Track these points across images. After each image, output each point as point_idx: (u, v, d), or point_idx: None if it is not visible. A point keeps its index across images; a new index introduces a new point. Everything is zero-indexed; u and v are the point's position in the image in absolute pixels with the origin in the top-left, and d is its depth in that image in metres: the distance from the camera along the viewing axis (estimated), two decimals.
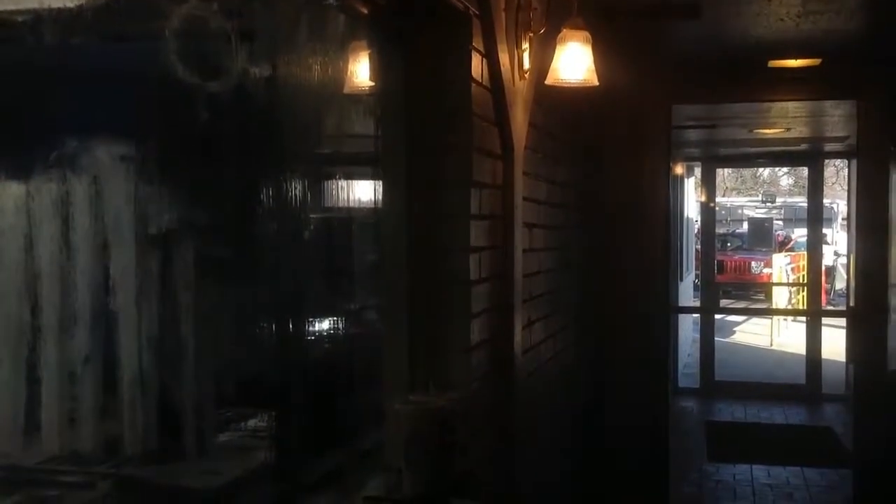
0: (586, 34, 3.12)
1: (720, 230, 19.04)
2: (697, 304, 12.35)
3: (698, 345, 10.62)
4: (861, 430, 5.58)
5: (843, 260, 15.94)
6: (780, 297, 15.34)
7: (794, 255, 17.83)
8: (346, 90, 2.58)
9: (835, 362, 9.96)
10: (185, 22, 1.94)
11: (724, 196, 26.99)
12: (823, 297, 13.22)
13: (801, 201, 18.39)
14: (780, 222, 23.29)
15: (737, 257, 19.79)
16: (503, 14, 2.96)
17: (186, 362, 1.94)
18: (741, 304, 17.80)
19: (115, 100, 1.88)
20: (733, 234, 22.28)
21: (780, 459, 7.39)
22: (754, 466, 7.20)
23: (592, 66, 3.15)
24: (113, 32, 1.91)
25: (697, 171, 12.14)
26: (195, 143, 2.02)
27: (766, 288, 17.38)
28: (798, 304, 14.39)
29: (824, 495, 6.56)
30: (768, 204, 24.43)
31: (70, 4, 1.74)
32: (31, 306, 1.71)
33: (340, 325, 2.78)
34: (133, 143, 1.85)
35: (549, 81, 3.22)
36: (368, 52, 2.63)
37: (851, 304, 7.52)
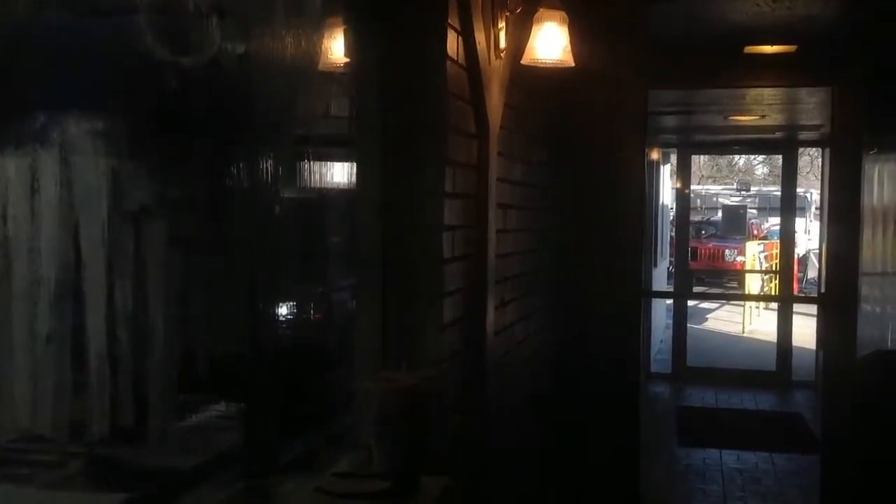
0: (563, 14, 3.12)
1: (695, 218, 19.14)
2: (671, 290, 12.43)
3: (671, 331, 10.69)
4: (829, 417, 5.64)
5: (816, 249, 16.08)
6: (753, 285, 15.46)
7: (768, 244, 17.97)
8: (322, 67, 2.56)
9: (805, 349, 10.06)
10: None
11: (699, 184, 27.13)
12: (795, 285, 13.33)
13: (776, 190, 18.51)
14: (755, 211, 23.45)
15: (711, 245, 19.91)
16: None
17: (156, 341, 1.92)
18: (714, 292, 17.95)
19: (86, 75, 1.85)
20: (708, 222, 22.40)
21: (749, 445, 7.46)
22: (724, 451, 7.26)
23: (568, 47, 3.15)
24: (85, 7, 1.88)
25: (673, 157, 12.20)
26: (166, 120, 2.00)
27: (739, 275, 17.51)
28: (770, 291, 14.52)
29: (792, 480, 6.64)
30: (743, 192, 24.58)
31: None
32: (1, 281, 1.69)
33: (313, 304, 2.77)
34: (104, 119, 1.83)
35: (524, 61, 3.21)
36: (344, 28, 2.61)
37: (822, 291, 7.60)
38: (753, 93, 6.67)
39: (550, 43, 3.12)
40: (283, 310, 2.52)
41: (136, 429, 1.90)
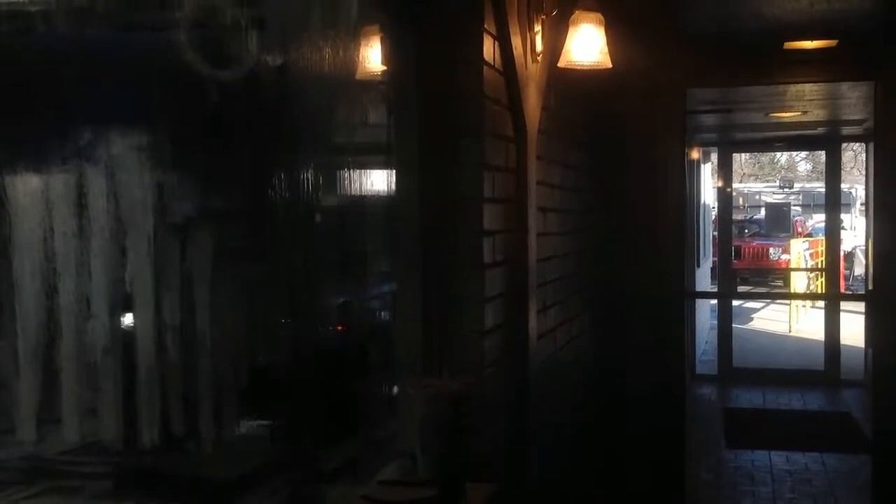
0: (599, 16, 3.10)
1: (737, 216, 18.94)
2: (715, 290, 12.31)
3: (716, 332, 10.58)
4: (880, 416, 5.54)
5: (862, 245, 15.83)
6: (799, 283, 15.25)
7: (813, 241, 17.73)
8: (359, 74, 2.58)
9: (854, 348, 9.91)
10: (197, 10, 1.94)
11: (741, 182, 26.88)
12: (842, 282, 13.14)
13: (820, 187, 18.27)
14: (799, 208, 23.17)
15: (754, 243, 19.69)
16: None
17: (203, 351, 1.94)
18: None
19: (128, 90, 1.88)
20: (751, 221, 22.16)
21: (798, 445, 7.36)
22: (773, 453, 7.17)
23: (605, 49, 3.13)
24: (124, 22, 1.91)
25: (714, 156, 12.09)
26: (209, 132, 2.02)
27: (784, 274, 17.29)
28: (817, 289, 14.31)
29: (843, 481, 6.54)
30: (786, 189, 24.30)
31: None
32: (51, 297, 1.72)
33: (355, 311, 2.78)
34: (147, 133, 1.85)
35: (561, 64, 3.20)
36: (380, 35, 2.62)
37: (870, 288, 7.47)
38: (794, 89, 6.59)
39: (587, 45, 3.10)
40: (325, 317, 2.54)
41: (182, 438, 1.92)
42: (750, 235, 20.71)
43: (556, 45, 3.24)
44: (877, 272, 5.60)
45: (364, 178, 2.62)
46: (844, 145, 13.13)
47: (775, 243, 19.29)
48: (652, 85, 5.11)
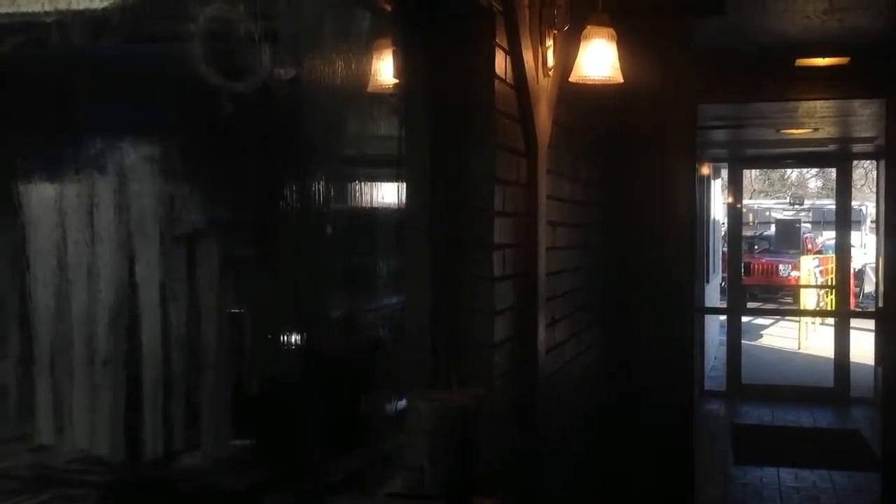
0: (611, 31, 3.11)
1: (747, 232, 18.89)
2: (724, 306, 12.27)
3: (725, 348, 10.55)
4: (889, 434, 5.52)
5: (872, 263, 15.78)
6: (809, 300, 15.20)
7: (823, 258, 17.68)
8: (370, 87, 2.59)
9: (863, 365, 9.86)
10: (210, 23, 1.95)
11: (751, 198, 26.83)
12: (852, 299, 13.09)
13: (830, 204, 18.21)
14: (809, 225, 23.11)
15: (764, 260, 19.63)
16: (527, 11, 2.95)
17: (209, 362, 1.94)
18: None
19: (140, 101, 1.89)
20: (761, 237, 22.11)
21: (807, 463, 7.32)
22: (781, 470, 7.14)
23: (617, 64, 3.14)
24: (139, 34, 1.92)
25: (724, 172, 12.08)
26: (221, 144, 2.03)
27: (793, 291, 17.24)
28: (827, 306, 14.27)
29: (852, 499, 6.49)
30: (796, 206, 24.25)
31: (96, 6, 1.75)
32: (60, 307, 1.72)
33: (364, 323, 2.78)
34: (159, 144, 1.86)
35: (573, 78, 3.21)
36: (392, 49, 2.64)
37: (880, 305, 7.45)
38: (805, 105, 6.59)
39: (598, 60, 3.11)
40: (333, 329, 2.54)
41: (187, 449, 1.92)
42: (760, 252, 20.65)
43: (567, 59, 3.25)
44: (887, 289, 5.58)
45: (375, 191, 2.63)
46: (855, 163, 13.11)
47: (785, 260, 19.25)
48: (663, 100, 5.11)
